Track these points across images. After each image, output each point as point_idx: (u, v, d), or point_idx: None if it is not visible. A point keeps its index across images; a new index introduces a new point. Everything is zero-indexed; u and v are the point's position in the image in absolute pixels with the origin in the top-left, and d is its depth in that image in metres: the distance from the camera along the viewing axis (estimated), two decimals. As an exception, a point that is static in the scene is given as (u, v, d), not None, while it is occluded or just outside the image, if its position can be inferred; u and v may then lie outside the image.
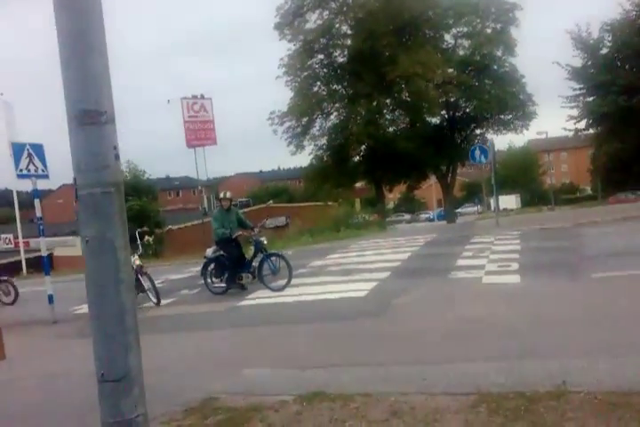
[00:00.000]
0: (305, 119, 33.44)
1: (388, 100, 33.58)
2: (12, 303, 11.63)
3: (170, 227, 30.89)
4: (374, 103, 32.04)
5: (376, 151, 32.54)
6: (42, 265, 9.87)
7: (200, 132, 25.62)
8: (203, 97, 25.29)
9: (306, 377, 4.91)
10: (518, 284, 8.04)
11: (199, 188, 33.18)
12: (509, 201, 51.07)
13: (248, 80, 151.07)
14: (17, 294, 11.64)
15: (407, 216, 63.64)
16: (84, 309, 9.63)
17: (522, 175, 61.55)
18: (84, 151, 2.49)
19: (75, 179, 2.56)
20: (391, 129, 34.83)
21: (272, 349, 6.06)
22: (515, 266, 9.36)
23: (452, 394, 4.08)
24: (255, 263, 9.59)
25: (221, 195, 10.02)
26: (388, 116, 34.85)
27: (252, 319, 7.68)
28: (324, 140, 34.48)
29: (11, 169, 10.53)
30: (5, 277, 11.86)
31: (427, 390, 4.23)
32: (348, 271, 10.64)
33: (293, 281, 9.37)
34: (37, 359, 6.60)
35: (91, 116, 2.48)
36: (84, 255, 2.54)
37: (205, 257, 10.04)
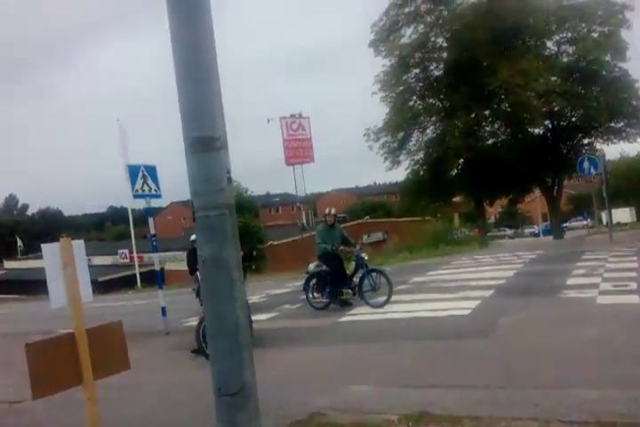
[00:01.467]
0: (401, 134, 33.22)
1: (486, 112, 32.61)
2: None
3: (271, 242, 31.73)
4: (472, 115, 31.24)
5: (475, 164, 31.62)
6: (155, 279, 10.49)
7: (298, 150, 26.34)
8: (301, 116, 25.96)
9: (411, 396, 4.83)
10: (638, 305, 7.46)
11: (298, 204, 33.95)
12: (623, 215, 47.64)
13: (345, 97, 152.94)
14: None
15: (510, 231, 61.08)
16: (194, 321, 10.09)
17: (637, 187, 57.21)
18: (200, 176, 2.64)
19: (191, 202, 2.73)
20: (491, 141, 33.69)
21: (375, 366, 6.02)
22: (633, 285, 8.70)
23: (569, 422, 3.85)
24: (356, 279, 9.61)
25: (326, 211, 10.08)
26: (487, 128, 33.81)
27: (354, 336, 7.67)
28: (420, 155, 34.00)
29: (125, 189, 11.22)
30: None
31: (540, 416, 4.02)
32: (449, 289, 10.38)
33: (393, 298, 9.27)
34: (153, 369, 7.00)
35: (205, 142, 2.63)
36: (201, 275, 2.69)
37: (307, 272, 10.21)
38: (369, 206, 65.09)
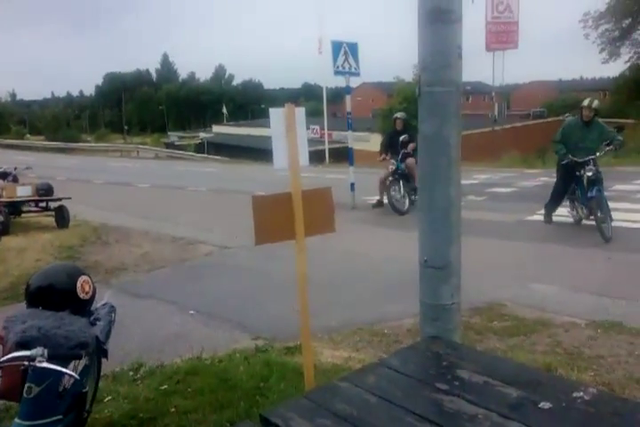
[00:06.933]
0: (627, 21, 28.48)
1: None
2: None
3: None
4: None
5: None
6: (347, 156, 10.87)
7: (502, 34, 24.40)
8: (510, -4, 23.49)
9: (601, 305, 4.64)
10: None
11: (493, 94, 31.90)
12: None
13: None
14: None
15: None
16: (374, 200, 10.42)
17: None
18: (431, 49, 2.54)
19: (419, 76, 2.65)
20: None
21: (563, 269, 5.81)
22: None
23: None
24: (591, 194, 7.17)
25: (586, 102, 7.47)
26: None
27: (541, 236, 7.41)
28: (647, 48, 29.23)
29: (318, 65, 11.30)
30: None
31: None
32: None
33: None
34: (340, 238, 7.52)
35: (441, 14, 2.49)
36: (419, 151, 2.68)
37: None
38: (571, 103, 58.60)
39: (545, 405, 1.70)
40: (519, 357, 3.49)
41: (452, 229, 2.57)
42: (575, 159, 7.22)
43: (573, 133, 7.40)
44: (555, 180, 8.08)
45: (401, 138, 9.70)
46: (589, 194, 7.10)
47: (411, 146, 9.51)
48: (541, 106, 54.25)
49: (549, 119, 37.00)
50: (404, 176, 9.54)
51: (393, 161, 9.61)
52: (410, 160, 9.54)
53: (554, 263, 6.06)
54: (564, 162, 7.42)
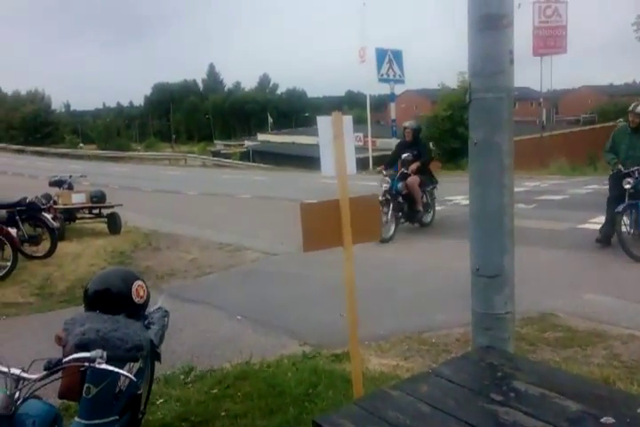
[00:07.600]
0: (686, 22, 27.46)
1: None
2: None
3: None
4: None
5: None
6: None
7: (550, 39, 23.92)
8: (557, 0, 23.01)
9: (661, 317, 4.46)
10: None
11: (540, 100, 31.27)
12: None
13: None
14: None
15: None
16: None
17: None
18: (482, 55, 2.50)
19: (469, 83, 2.63)
20: None
21: (616, 279, 5.62)
22: None
23: None
24: None
25: (631, 107, 6.87)
26: None
27: (593, 245, 7.16)
28: None
29: (361, 73, 11.23)
30: None
31: None
32: None
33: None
34: (385, 246, 7.50)
35: (492, 19, 2.46)
36: (470, 158, 2.65)
37: None
38: (623, 108, 56.70)
39: (607, 420, 1.64)
40: (574, 369, 3.38)
41: (504, 238, 2.52)
42: (622, 169, 6.63)
43: (622, 141, 6.84)
44: (606, 188, 7.75)
45: (403, 156, 8.46)
46: (617, 208, 6.55)
47: (412, 167, 8.32)
48: (592, 111, 52.79)
49: (598, 125, 35.93)
50: (401, 197, 8.30)
51: (388, 179, 8.30)
52: (411, 180, 8.32)
53: (608, 273, 5.87)
54: (612, 172, 6.90)
